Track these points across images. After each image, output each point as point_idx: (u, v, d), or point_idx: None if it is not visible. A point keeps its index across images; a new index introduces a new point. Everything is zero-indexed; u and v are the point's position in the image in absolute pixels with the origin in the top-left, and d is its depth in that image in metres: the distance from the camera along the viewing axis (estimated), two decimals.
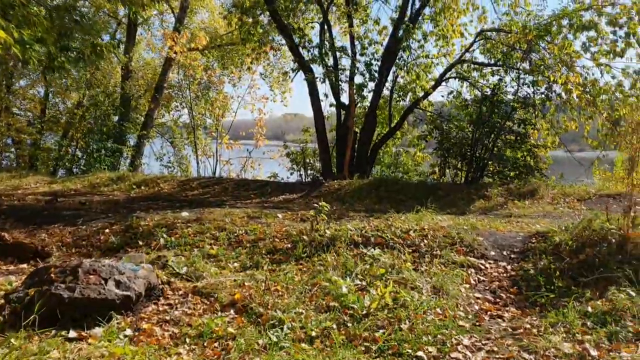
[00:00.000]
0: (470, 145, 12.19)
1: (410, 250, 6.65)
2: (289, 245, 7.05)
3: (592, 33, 12.66)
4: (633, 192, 5.75)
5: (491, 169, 12.31)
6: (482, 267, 6.26)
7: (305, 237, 7.13)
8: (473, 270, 6.19)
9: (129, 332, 4.79)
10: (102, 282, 5.21)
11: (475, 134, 12.19)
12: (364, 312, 5.03)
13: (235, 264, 6.76)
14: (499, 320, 5.12)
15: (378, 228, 7.30)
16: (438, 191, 11.62)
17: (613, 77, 12.72)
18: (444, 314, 5.04)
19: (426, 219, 7.98)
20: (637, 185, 14.79)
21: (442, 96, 15.26)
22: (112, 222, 8.54)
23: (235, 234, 7.68)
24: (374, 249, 6.62)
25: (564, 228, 6.49)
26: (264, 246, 7.15)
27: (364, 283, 5.71)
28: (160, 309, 5.37)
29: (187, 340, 4.60)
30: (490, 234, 6.98)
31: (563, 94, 12.81)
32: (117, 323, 4.91)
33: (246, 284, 5.92)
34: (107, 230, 8.09)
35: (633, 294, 5.04)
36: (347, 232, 7.15)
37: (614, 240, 5.67)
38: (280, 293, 5.67)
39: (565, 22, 12.69)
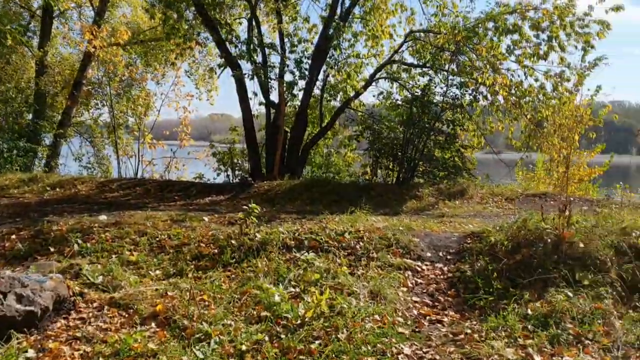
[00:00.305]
0: (401, 145, 12.14)
1: (346, 254, 6.36)
2: (216, 251, 6.59)
3: (516, 36, 12.97)
4: (567, 191, 5.70)
5: (421, 169, 12.31)
6: (419, 269, 6.06)
7: (233, 241, 6.69)
8: (410, 273, 5.97)
9: (31, 353, 4.21)
10: (0, 297, 4.57)
11: (406, 134, 12.15)
12: (299, 321, 4.68)
13: (157, 272, 6.23)
14: (439, 325, 4.91)
15: (312, 230, 6.96)
16: (371, 191, 11.45)
17: (536, 80, 13.10)
18: (383, 320, 4.77)
19: (361, 220, 7.73)
20: (558, 184, 15.33)
21: (374, 96, 15.22)
22: (19, 227, 7.69)
23: (158, 239, 7.12)
24: (308, 253, 6.29)
25: (498, 228, 6.42)
26: (189, 252, 6.65)
27: (297, 290, 5.35)
28: (71, 324, 4.80)
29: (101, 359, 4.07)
30: (426, 235, 6.82)
31: (489, 95, 13.05)
32: (18, 343, 4.31)
33: (169, 293, 5.43)
34: (13, 237, 7.25)
35: (571, 294, 4.98)
36: (279, 236, 6.78)
37: (549, 240, 5.62)
38: (206, 303, 5.22)
39: (490, 24, 12.92)
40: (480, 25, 12.87)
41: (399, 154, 12.12)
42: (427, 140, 12.10)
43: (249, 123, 14.23)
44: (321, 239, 6.69)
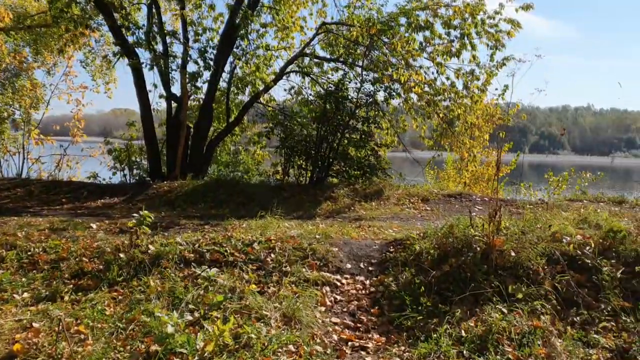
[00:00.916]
0: (314, 143, 11.47)
1: (255, 268, 5.54)
2: (101, 267, 5.57)
3: (428, 33, 12.71)
4: (497, 195, 5.23)
5: (336, 168, 11.70)
6: (339, 284, 5.37)
7: (122, 254, 5.68)
8: (328, 289, 5.26)
9: None
10: None
11: (320, 131, 11.50)
12: (196, 358, 3.81)
13: (26, 295, 5.13)
14: (363, 353, 4.23)
15: (215, 241, 6.08)
16: (282, 192, 10.69)
17: (447, 78, 12.91)
18: (299, 351, 4.01)
19: (272, 226, 6.95)
20: (469, 183, 15.35)
21: (285, 89, 14.45)
22: None
23: (30, 253, 5.97)
24: (210, 269, 5.40)
25: (423, 234, 5.86)
26: (68, 268, 5.58)
27: (196, 315, 4.47)
28: None
29: None
30: (345, 243, 6.13)
31: (402, 92, 12.69)
32: None
33: (35, 325, 4.38)
34: None
35: (506, 310, 4.48)
36: (176, 248, 5.84)
37: (478, 249, 5.12)
38: (83, 336, 4.22)
39: (403, 20, 12.57)
40: (393, 20, 12.48)
41: (312, 152, 11.45)
42: (341, 138, 11.51)
43: (147, 117, 12.97)
44: (226, 250, 5.83)
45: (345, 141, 11.71)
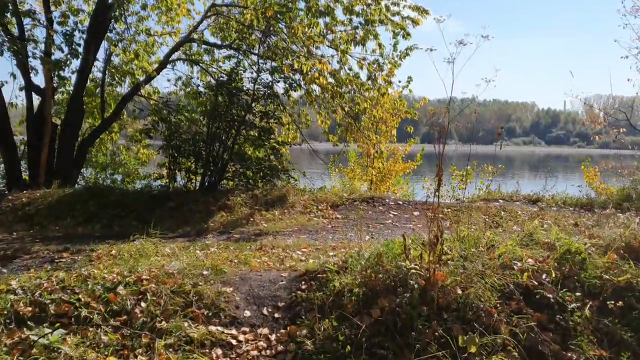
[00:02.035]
0: (205, 142, 9.89)
1: (118, 324, 4.01)
2: None
3: (329, 19, 11.52)
4: (437, 213, 4.07)
5: (231, 171, 10.19)
6: (234, 342, 3.97)
7: None
8: (220, 352, 3.85)
9: None
10: None
11: (211, 128, 9.93)
12: None
13: None
14: None
15: (65, 285, 4.44)
16: (168, 202, 9.03)
17: (350, 69, 11.83)
18: None
19: (149, 253, 5.42)
20: (375, 181, 14.44)
21: (168, 80, 12.64)
22: None
23: None
24: (52, 331, 3.81)
25: (342, 264, 4.60)
26: None
27: None
28: None
29: None
30: (242, 279, 4.73)
31: (304, 83, 11.42)
32: None
33: None
34: None
35: None
36: (7, 300, 4.16)
37: (416, 286, 3.95)
38: None
39: (302, 4, 11.28)
40: (291, 3, 11.14)
41: (203, 152, 9.86)
42: (237, 135, 10.02)
43: (1, 113, 10.72)
44: (79, 299, 4.24)
45: (242, 139, 10.24)
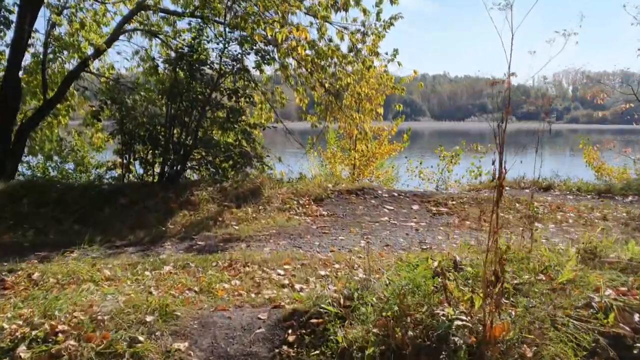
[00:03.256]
0: (164, 126, 8.38)
1: None
2: None
3: None
4: (496, 237, 2.72)
5: (197, 158, 8.70)
6: None
7: None
8: None
9: None
10: None
11: (170, 109, 8.41)
12: None
13: None
14: None
15: None
16: (119, 198, 7.53)
17: (330, 40, 10.35)
18: None
19: (79, 285, 4.01)
20: (359, 165, 13.11)
21: (119, 53, 10.95)
22: None
23: None
24: None
25: (344, 299, 3.25)
26: None
27: None
28: None
29: None
30: (203, 325, 3.34)
31: (278, 56, 9.92)
32: None
33: None
34: None
35: None
36: None
37: (464, 346, 2.63)
38: None
39: None
40: None
41: (162, 137, 8.35)
42: (201, 117, 8.52)
43: None
44: None
45: (208, 122, 8.75)
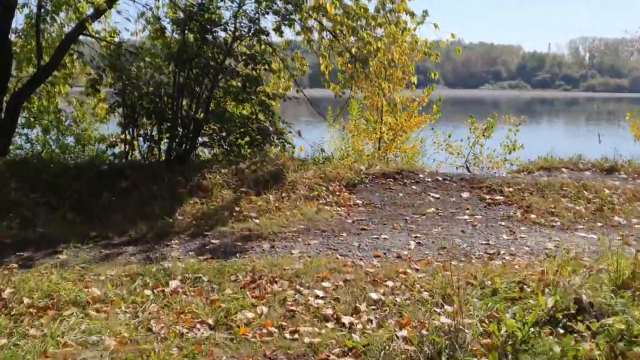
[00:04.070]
0: (172, 96, 7.31)
1: None
2: None
3: None
4: None
5: (208, 134, 7.63)
6: None
7: None
8: None
9: None
10: None
11: (179, 77, 7.33)
12: None
13: None
14: None
15: None
16: (121, 181, 6.53)
17: None
18: None
19: (60, 312, 3.08)
20: (386, 144, 11.99)
21: (119, 12, 9.75)
22: None
23: None
24: None
25: (425, 357, 2.23)
26: None
27: None
28: None
29: None
30: None
31: (298, 17, 8.71)
32: None
33: None
34: None
35: None
36: None
37: None
38: None
39: None
40: None
41: (169, 110, 7.29)
42: (213, 87, 7.43)
43: None
44: None
45: (220, 92, 7.66)
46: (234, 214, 5.67)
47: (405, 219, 5.45)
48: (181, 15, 8.72)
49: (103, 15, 9.92)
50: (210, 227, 5.28)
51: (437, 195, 6.17)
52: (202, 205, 5.97)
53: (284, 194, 6.13)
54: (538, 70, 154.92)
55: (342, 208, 5.81)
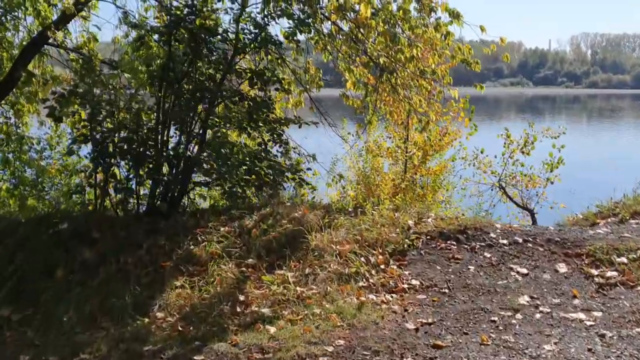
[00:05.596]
0: (154, 128, 5.56)
1: None
2: None
3: None
4: None
5: (204, 169, 5.83)
6: None
7: None
8: None
9: None
10: None
11: (163, 102, 5.58)
12: None
13: None
14: None
15: None
16: (82, 250, 4.76)
17: None
18: None
19: None
20: (411, 173, 10.18)
21: (85, 19, 7.91)
22: None
23: None
24: None
25: None
26: None
27: None
28: None
29: None
30: None
31: (312, 22, 6.91)
32: None
33: None
34: None
35: None
36: None
37: None
38: None
39: None
40: None
41: (150, 147, 5.53)
42: (210, 114, 5.67)
43: None
44: None
45: (220, 120, 5.89)
46: (238, 309, 3.89)
47: (493, 321, 3.67)
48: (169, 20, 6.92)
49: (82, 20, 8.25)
50: (203, 340, 3.50)
51: (524, 270, 4.38)
52: (192, 290, 4.20)
53: (307, 270, 4.34)
54: (540, 67, 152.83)
55: (395, 296, 4.02)
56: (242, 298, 4.03)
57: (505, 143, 11.56)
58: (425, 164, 10.56)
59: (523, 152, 11.57)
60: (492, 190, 12.01)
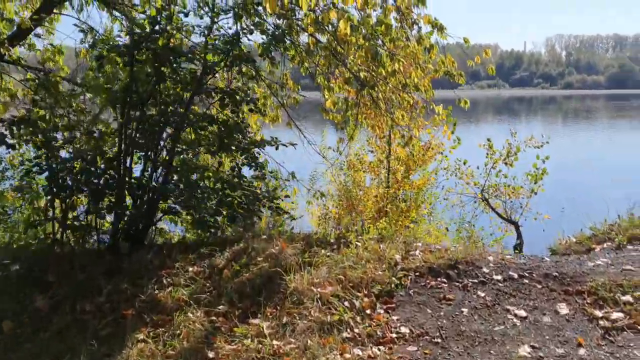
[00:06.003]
0: (115, 157, 5.09)
1: None
2: None
3: None
4: None
5: (171, 198, 5.37)
6: None
7: None
8: None
9: None
10: None
11: (125, 128, 5.11)
12: None
13: None
14: None
15: None
16: (34, 295, 4.28)
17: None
18: None
19: None
20: (394, 194, 9.76)
21: (38, 37, 7.33)
22: None
23: None
24: None
25: None
26: None
27: None
28: None
29: None
30: None
31: (292, 33, 6.49)
32: None
33: None
34: None
35: None
36: None
37: None
38: None
39: None
40: None
41: (111, 178, 5.05)
42: (177, 139, 5.22)
43: None
44: None
45: (185, 148, 5.43)
46: None
47: None
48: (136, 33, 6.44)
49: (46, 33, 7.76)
50: None
51: (522, 313, 3.99)
52: (156, 345, 3.72)
53: (284, 319, 3.90)
54: (516, 69, 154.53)
55: (382, 349, 3.60)
56: (211, 355, 3.57)
57: (487, 154, 11.30)
58: (408, 179, 10.19)
59: (506, 164, 11.30)
60: (475, 202, 11.74)
